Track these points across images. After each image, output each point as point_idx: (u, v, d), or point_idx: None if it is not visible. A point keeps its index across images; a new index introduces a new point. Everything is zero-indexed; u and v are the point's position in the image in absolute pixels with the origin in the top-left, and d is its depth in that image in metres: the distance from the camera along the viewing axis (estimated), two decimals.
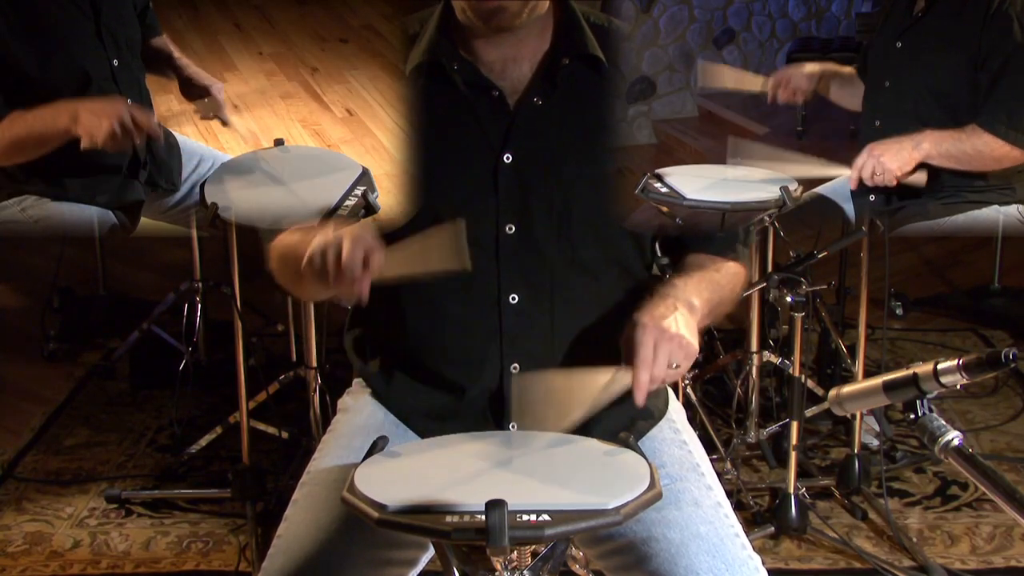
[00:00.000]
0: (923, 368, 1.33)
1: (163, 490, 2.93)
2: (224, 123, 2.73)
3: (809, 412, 2.94)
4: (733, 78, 2.78)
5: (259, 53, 4.53)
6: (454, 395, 1.72)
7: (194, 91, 2.76)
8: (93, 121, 2.31)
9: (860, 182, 2.51)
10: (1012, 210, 2.67)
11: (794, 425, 2.58)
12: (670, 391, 1.85)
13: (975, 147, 2.50)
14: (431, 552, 1.62)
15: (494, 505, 1.25)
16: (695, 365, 3.05)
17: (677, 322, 1.55)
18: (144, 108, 2.38)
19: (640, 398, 1.52)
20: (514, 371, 1.69)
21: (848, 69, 2.83)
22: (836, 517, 2.77)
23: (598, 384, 1.53)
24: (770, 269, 2.93)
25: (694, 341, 1.56)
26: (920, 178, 2.52)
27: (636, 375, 1.52)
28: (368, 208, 1.90)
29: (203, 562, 2.65)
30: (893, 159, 2.48)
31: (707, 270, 1.75)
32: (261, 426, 2.91)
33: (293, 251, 1.64)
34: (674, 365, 1.53)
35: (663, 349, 1.52)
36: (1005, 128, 2.47)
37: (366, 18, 4.84)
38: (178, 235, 3.11)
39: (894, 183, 2.50)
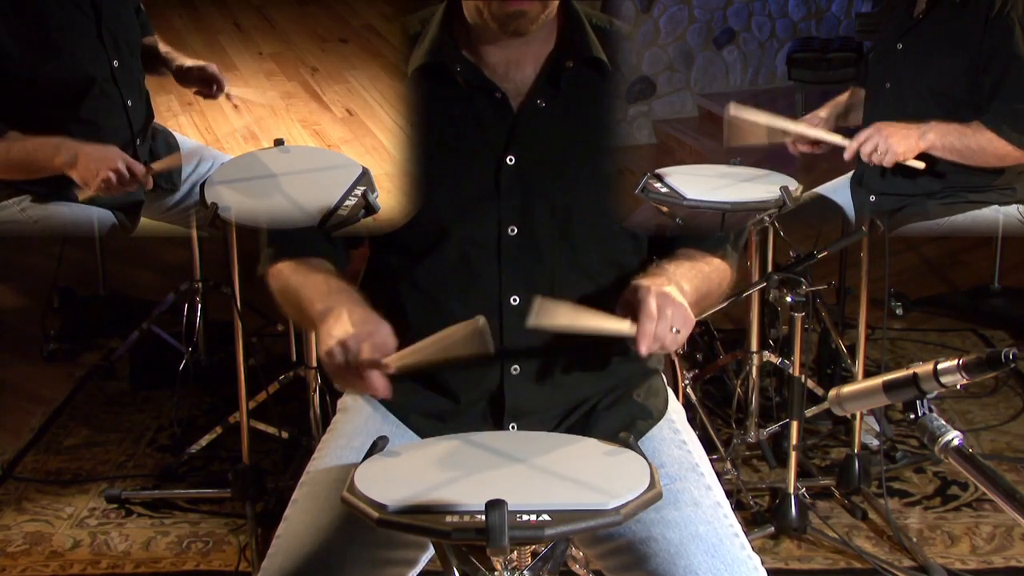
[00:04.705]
0: (923, 368, 1.33)
1: (163, 490, 2.93)
2: (228, 96, 2.75)
3: (809, 412, 2.94)
4: (757, 133, 2.68)
5: (259, 53, 4.52)
6: (454, 396, 1.72)
7: (189, 77, 2.76)
8: (90, 168, 2.37)
9: (860, 163, 2.51)
10: (1012, 210, 2.67)
11: (794, 425, 2.58)
12: (670, 391, 1.85)
13: (979, 143, 2.50)
14: (431, 552, 1.62)
15: (494, 505, 1.25)
16: (695, 365, 3.07)
17: (674, 292, 1.56)
18: (141, 169, 2.42)
19: (644, 349, 1.52)
20: (514, 372, 1.69)
21: (843, 96, 2.83)
22: (836, 517, 2.77)
23: (610, 319, 1.55)
24: (770, 269, 2.93)
25: (690, 313, 1.56)
26: (919, 163, 2.52)
27: (641, 328, 1.51)
28: (368, 208, 1.90)
29: (203, 562, 2.65)
30: (901, 142, 2.48)
31: (696, 261, 1.75)
32: (261, 426, 2.91)
33: (296, 296, 1.69)
34: (674, 329, 1.53)
35: (666, 310, 1.53)
36: (1009, 129, 2.48)
37: (366, 18, 4.83)
38: (178, 235, 3.11)
39: (892, 164, 2.50)
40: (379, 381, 1.50)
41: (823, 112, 2.77)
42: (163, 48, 2.81)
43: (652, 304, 1.53)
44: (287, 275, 1.76)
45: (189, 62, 2.77)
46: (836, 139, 2.54)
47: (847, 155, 2.53)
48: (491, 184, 1.69)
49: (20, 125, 2.44)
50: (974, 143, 2.51)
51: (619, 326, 1.55)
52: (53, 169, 2.41)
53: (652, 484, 1.39)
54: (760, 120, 2.51)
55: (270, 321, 3.55)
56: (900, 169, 2.53)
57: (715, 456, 2.77)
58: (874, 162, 2.49)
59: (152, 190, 2.73)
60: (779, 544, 2.66)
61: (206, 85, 2.74)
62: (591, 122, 1.75)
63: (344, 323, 1.54)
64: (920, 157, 2.51)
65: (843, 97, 2.84)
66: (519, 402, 1.70)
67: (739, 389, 2.98)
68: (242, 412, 2.76)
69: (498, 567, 1.43)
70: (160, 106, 2.91)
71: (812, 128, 2.57)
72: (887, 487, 2.78)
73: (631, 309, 1.55)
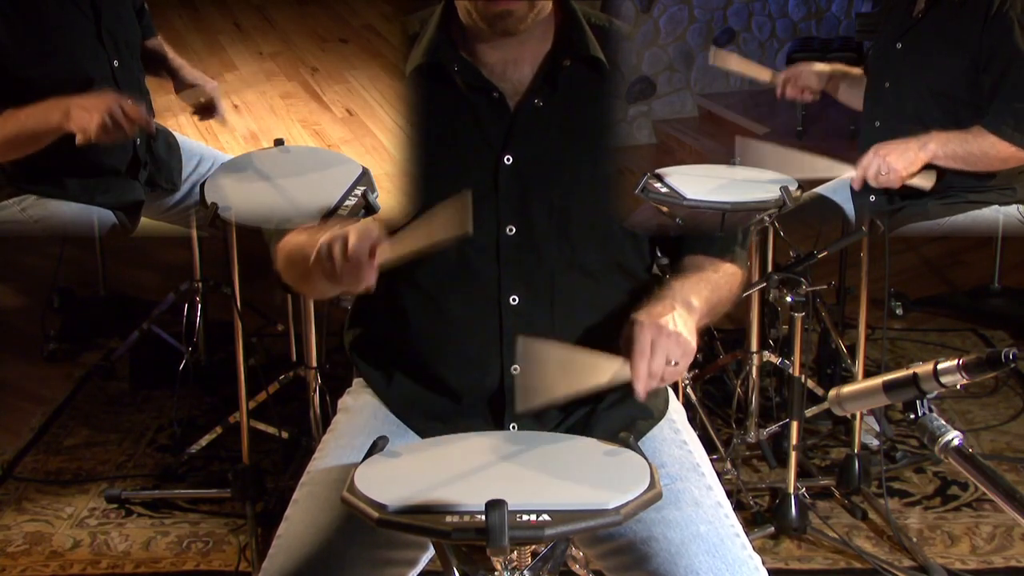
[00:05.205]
0: (923, 368, 1.33)
1: (163, 490, 2.93)
2: (221, 120, 2.74)
3: (809, 412, 2.94)
4: (741, 64, 2.78)
5: (259, 53, 4.53)
6: (454, 396, 1.72)
7: (188, 95, 2.76)
8: (84, 116, 2.33)
9: (864, 183, 2.51)
10: (1012, 210, 2.67)
11: (794, 425, 2.58)
12: (670, 391, 1.85)
13: (981, 148, 2.50)
14: (431, 552, 1.62)
15: (494, 505, 1.25)
16: (695, 365, 3.07)
17: (674, 320, 1.56)
18: (134, 98, 2.39)
19: (640, 390, 1.52)
20: (514, 372, 1.69)
21: (857, 70, 2.82)
22: (836, 517, 2.77)
23: (601, 364, 1.54)
24: (770, 269, 2.94)
25: (692, 339, 1.57)
26: (925, 183, 2.52)
27: (634, 369, 1.52)
28: (368, 208, 1.90)
29: (203, 562, 2.65)
30: (899, 159, 2.48)
31: (705, 271, 1.75)
32: (261, 426, 2.91)
33: (300, 250, 1.65)
34: (672, 362, 1.54)
35: (660, 345, 1.53)
36: (1011, 130, 2.48)
37: (366, 18, 4.84)
38: (178, 235, 3.11)
39: (899, 184, 2.50)
40: (368, 269, 1.47)
41: (824, 67, 2.77)
42: (170, 55, 2.81)
43: (644, 342, 1.53)
44: (291, 240, 1.74)
45: (190, 78, 2.76)
46: (845, 169, 2.55)
47: (855, 185, 2.54)
48: (489, 184, 1.69)
49: None
50: (976, 148, 2.50)
51: (609, 375, 1.54)
52: (51, 130, 2.38)
53: (652, 484, 1.39)
54: (744, 68, 2.55)
55: (270, 321, 3.55)
56: (907, 188, 2.53)
57: (715, 456, 2.77)
58: (881, 184, 2.49)
59: (152, 190, 2.74)
60: (779, 544, 2.66)
61: (201, 108, 2.73)
62: (589, 121, 1.75)
63: (333, 229, 1.51)
64: (925, 170, 2.51)
65: (854, 70, 2.81)
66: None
67: (739, 389, 2.98)
68: (242, 412, 2.76)
69: (498, 567, 1.44)
70: (160, 106, 2.92)
71: (821, 165, 2.55)
72: (887, 487, 2.78)
73: (629, 346, 1.55)
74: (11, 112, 2.41)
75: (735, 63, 2.81)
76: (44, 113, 2.38)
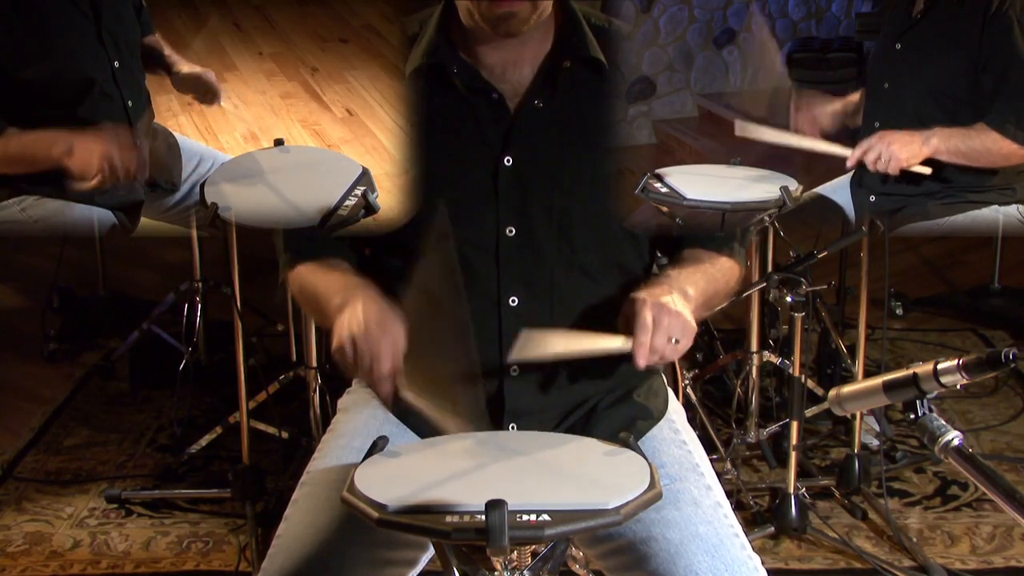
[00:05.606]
0: (923, 368, 1.33)
1: (163, 490, 2.93)
2: (219, 103, 2.75)
3: (809, 412, 2.94)
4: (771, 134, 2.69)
5: (259, 53, 4.52)
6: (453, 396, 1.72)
7: (186, 84, 2.76)
8: (85, 159, 2.35)
9: (860, 167, 2.51)
10: (1012, 210, 2.67)
11: (794, 425, 2.58)
12: (670, 391, 1.85)
13: (984, 144, 2.50)
14: (431, 552, 1.62)
15: (494, 505, 1.25)
16: (695, 364, 3.07)
17: (675, 301, 1.56)
18: (134, 152, 2.42)
19: (641, 363, 1.53)
20: (514, 373, 1.69)
21: (856, 95, 2.83)
22: (836, 517, 2.77)
23: (602, 339, 1.57)
24: (770, 269, 2.94)
25: (692, 321, 1.57)
26: (925, 168, 2.52)
27: (636, 342, 1.53)
28: (368, 208, 1.90)
29: (203, 562, 2.65)
30: (903, 148, 2.49)
31: (702, 263, 1.76)
32: (261, 426, 2.91)
33: (316, 298, 1.71)
34: (674, 340, 1.54)
35: (662, 322, 1.54)
36: (1013, 128, 2.48)
37: (366, 18, 4.83)
38: (178, 235, 3.11)
39: (897, 172, 2.50)
40: (386, 388, 1.52)
41: (836, 106, 2.76)
42: (167, 51, 2.81)
43: (647, 316, 1.54)
44: (305, 276, 1.77)
45: (187, 69, 2.76)
46: (838, 149, 2.54)
47: (849, 164, 2.54)
48: (489, 185, 1.69)
49: (20, 126, 2.44)
50: (979, 144, 2.51)
51: (612, 344, 1.56)
52: (51, 161, 2.40)
53: (652, 484, 1.39)
54: (766, 136, 2.51)
55: (270, 321, 3.55)
56: (905, 175, 2.53)
57: (715, 456, 2.77)
58: (879, 170, 2.50)
59: (152, 190, 2.74)
60: (779, 544, 2.66)
61: (201, 94, 2.74)
62: (589, 122, 1.75)
63: (357, 317, 1.55)
64: (926, 162, 2.51)
65: (855, 97, 2.82)
66: (519, 403, 1.70)
67: (739, 389, 2.98)
68: (242, 412, 2.76)
69: (498, 567, 1.44)
70: (160, 106, 2.91)
71: (815, 140, 2.56)
72: (887, 487, 2.78)
73: (630, 323, 1.55)
74: (16, 133, 2.42)
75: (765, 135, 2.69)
76: (49, 143, 2.40)
